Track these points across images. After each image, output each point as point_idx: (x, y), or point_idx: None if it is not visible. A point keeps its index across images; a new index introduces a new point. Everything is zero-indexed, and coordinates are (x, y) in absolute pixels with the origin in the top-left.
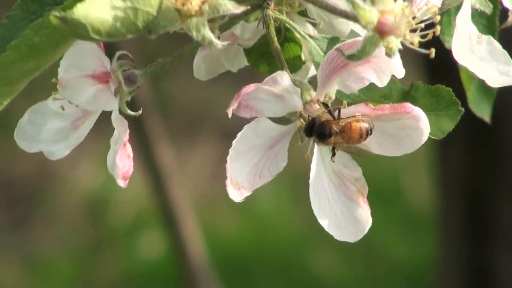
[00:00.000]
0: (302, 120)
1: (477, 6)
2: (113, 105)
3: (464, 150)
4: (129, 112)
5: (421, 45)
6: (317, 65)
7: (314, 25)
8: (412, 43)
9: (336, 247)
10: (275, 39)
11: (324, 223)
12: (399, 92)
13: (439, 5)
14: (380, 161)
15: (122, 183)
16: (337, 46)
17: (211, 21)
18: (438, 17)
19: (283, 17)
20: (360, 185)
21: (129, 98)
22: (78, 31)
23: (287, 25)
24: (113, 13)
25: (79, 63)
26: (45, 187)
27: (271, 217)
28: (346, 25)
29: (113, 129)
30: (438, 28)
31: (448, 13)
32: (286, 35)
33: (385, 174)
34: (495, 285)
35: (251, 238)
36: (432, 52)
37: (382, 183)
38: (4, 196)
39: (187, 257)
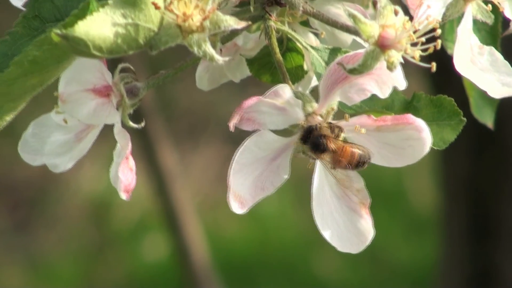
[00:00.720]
0: None
1: (479, 16)
2: (114, 118)
3: (467, 152)
4: (132, 124)
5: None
6: (319, 76)
7: (316, 34)
8: (413, 57)
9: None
10: (277, 50)
11: (327, 234)
12: (401, 103)
13: (440, 19)
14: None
15: (124, 196)
16: (338, 59)
17: (213, 34)
18: (439, 31)
19: (285, 28)
20: (362, 196)
21: (131, 111)
22: (80, 48)
23: (289, 35)
24: (114, 30)
25: (80, 78)
26: (48, 189)
27: (275, 220)
28: (348, 35)
29: None
30: (439, 42)
31: (451, 20)
32: (288, 45)
33: (389, 176)
34: (498, 286)
35: (255, 241)
36: (434, 66)
37: (386, 185)
38: (8, 199)
39: (190, 259)
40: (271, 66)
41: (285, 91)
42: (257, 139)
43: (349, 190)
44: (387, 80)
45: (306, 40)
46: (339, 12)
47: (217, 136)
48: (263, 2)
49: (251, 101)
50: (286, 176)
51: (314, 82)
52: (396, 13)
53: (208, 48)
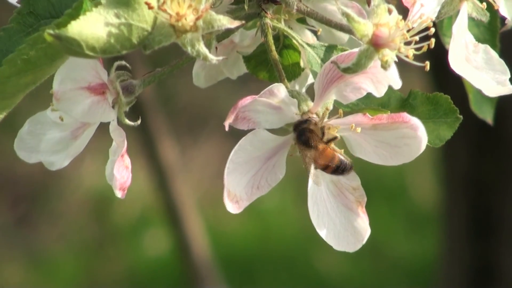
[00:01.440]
0: None
1: (474, 14)
2: (110, 116)
3: (468, 148)
4: (128, 122)
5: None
6: (315, 74)
7: (313, 32)
8: (407, 56)
9: None
10: (273, 47)
11: (323, 233)
12: (397, 100)
13: (433, 17)
14: None
15: (119, 194)
16: (332, 58)
17: (208, 32)
18: (433, 30)
19: (281, 25)
20: (358, 195)
21: (127, 108)
22: (73, 48)
23: (285, 33)
24: (107, 30)
25: (74, 76)
26: (49, 185)
27: (276, 215)
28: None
29: None
30: (433, 40)
31: (449, 16)
32: (284, 42)
33: (389, 172)
34: (499, 282)
35: (256, 236)
36: (427, 65)
37: (387, 181)
38: (9, 194)
39: (191, 254)
40: (268, 63)
41: (280, 90)
42: (252, 138)
43: (345, 189)
44: (382, 79)
45: (303, 37)
46: (336, 9)
47: (218, 132)
48: None
49: (246, 100)
50: (281, 175)
51: (311, 79)
52: (389, 11)
53: (202, 47)
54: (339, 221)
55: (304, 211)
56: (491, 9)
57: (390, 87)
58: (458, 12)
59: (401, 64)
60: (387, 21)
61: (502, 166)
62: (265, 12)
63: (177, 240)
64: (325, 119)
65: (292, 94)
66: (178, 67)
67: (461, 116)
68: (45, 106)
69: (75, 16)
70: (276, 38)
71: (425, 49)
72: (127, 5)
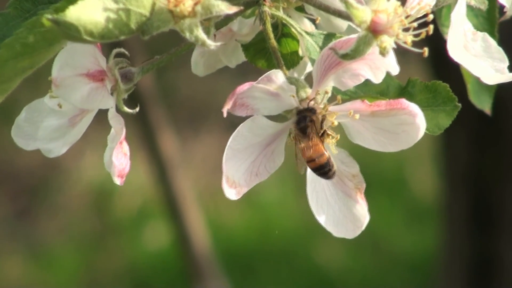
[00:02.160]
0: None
1: (472, 2)
2: (109, 103)
3: (468, 141)
4: (126, 109)
5: (425, 39)
6: (313, 62)
7: (312, 20)
8: (405, 42)
9: (341, 238)
10: (272, 35)
11: (322, 219)
12: (396, 88)
13: (432, 4)
14: (385, 152)
15: (118, 181)
16: (331, 44)
17: (206, 19)
18: (431, 16)
19: (280, 13)
20: (357, 181)
21: (126, 96)
22: (71, 33)
23: (283, 21)
24: (105, 15)
25: (73, 62)
26: (50, 178)
27: (276, 208)
28: (344, 21)
29: None
30: (431, 27)
31: (448, 6)
32: (283, 31)
33: (390, 165)
34: (500, 275)
35: (256, 229)
36: (425, 51)
37: (387, 174)
38: (9, 187)
39: (191, 248)
40: (267, 51)
41: (278, 76)
42: (250, 125)
43: (344, 176)
44: (380, 65)
45: (301, 25)
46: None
47: (218, 124)
48: None
49: (244, 86)
50: (280, 162)
51: (310, 68)
52: None
53: (200, 33)
54: (338, 207)
55: (305, 204)
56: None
57: (389, 75)
58: (456, 0)
59: (402, 57)
60: (385, 8)
61: (502, 159)
62: (264, 0)
63: (178, 233)
64: (322, 105)
65: (290, 80)
66: (177, 55)
67: (459, 105)
68: None
69: (73, 1)
70: (275, 26)
71: (423, 35)
72: None
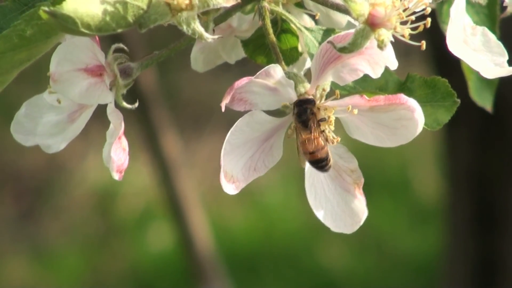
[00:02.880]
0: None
1: None
2: (107, 98)
3: (471, 142)
4: (125, 104)
5: (425, 36)
6: (312, 57)
7: (311, 16)
8: (403, 36)
9: (345, 239)
10: (271, 31)
11: (320, 214)
12: (395, 84)
13: None
14: (388, 153)
15: (116, 176)
16: (329, 38)
17: (205, 14)
18: (429, 9)
19: (279, 8)
20: (356, 176)
21: (124, 91)
22: (68, 25)
23: (283, 17)
24: (102, 8)
25: (71, 57)
26: (53, 179)
27: (279, 209)
28: (343, 16)
29: None
30: (429, 20)
31: (448, 3)
32: (282, 26)
33: (393, 166)
34: (503, 276)
35: (259, 230)
36: (423, 44)
37: (390, 175)
38: (13, 188)
39: (195, 249)
40: (266, 47)
41: (276, 71)
42: (249, 120)
43: (343, 171)
44: (378, 60)
45: (301, 21)
46: None
47: (222, 125)
48: None
49: (242, 81)
50: (279, 157)
51: (309, 63)
52: None
53: (197, 26)
54: (337, 202)
55: (308, 205)
56: None
57: (388, 71)
58: None
59: (404, 57)
60: (383, 1)
61: (505, 159)
62: None
63: (181, 235)
64: (322, 100)
65: (289, 75)
66: (176, 50)
67: (458, 100)
68: None
69: None
70: (274, 22)
71: (421, 28)
72: None
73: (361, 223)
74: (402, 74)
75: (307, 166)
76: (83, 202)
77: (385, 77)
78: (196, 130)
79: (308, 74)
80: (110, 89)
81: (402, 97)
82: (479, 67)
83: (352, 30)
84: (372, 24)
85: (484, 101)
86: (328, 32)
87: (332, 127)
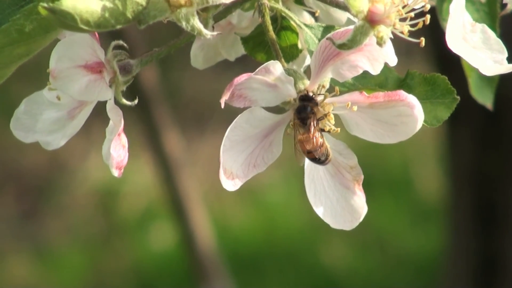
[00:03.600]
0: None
1: None
2: (107, 95)
3: (473, 141)
4: (125, 101)
5: (427, 34)
6: (312, 54)
7: (311, 13)
8: (402, 32)
9: (347, 238)
10: (270, 28)
11: (320, 211)
12: (394, 81)
13: None
14: (390, 152)
15: (116, 173)
16: (328, 35)
17: (204, 10)
18: (428, 6)
19: (279, 6)
20: (356, 173)
21: (124, 88)
22: (67, 22)
23: (283, 13)
24: (101, 4)
25: (71, 54)
26: (55, 178)
27: (281, 208)
28: (343, 13)
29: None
30: (428, 17)
31: (448, 0)
32: (282, 23)
33: (395, 165)
34: (504, 275)
35: (261, 229)
36: (422, 41)
37: (392, 174)
38: (15, 187)
39: (197, 248)
40: (266, 44)
41: (276, 67)
42: (248, 116)
43: (343, 167)
44: (378, 56)
45: (301, 18)
46: None
47: (224, 124)
48: None
49: (242, 78)
50: (278, 153)
51: (309, 61)
52: None
53: (196, 22)
54: (336, 199)
55: (310, 205)
56: None
57: (387, 68)
58: None
59: (406, 57)
60: None
61: (507, 158)
62: None
63: (183, 234)
64: (321, 97)
65: (289, 72)
66: (176, 47)
67: (458, 97)
68: None
69: None
70: (274, 19)
71: (420, 25)
72: None
73: (361, 219)
74: (404, 73)
75: (307, 163)
76: (85, 201)
77: (385, 74)
78: (198, 128)
79: (307, 71)
80: (110, 86)
81: (402, 93)
82: (479, 65)
83: (352, 27)
84: (371, 20)
85: (485, 98)
86: (328, 29)
87: (332, 122)
